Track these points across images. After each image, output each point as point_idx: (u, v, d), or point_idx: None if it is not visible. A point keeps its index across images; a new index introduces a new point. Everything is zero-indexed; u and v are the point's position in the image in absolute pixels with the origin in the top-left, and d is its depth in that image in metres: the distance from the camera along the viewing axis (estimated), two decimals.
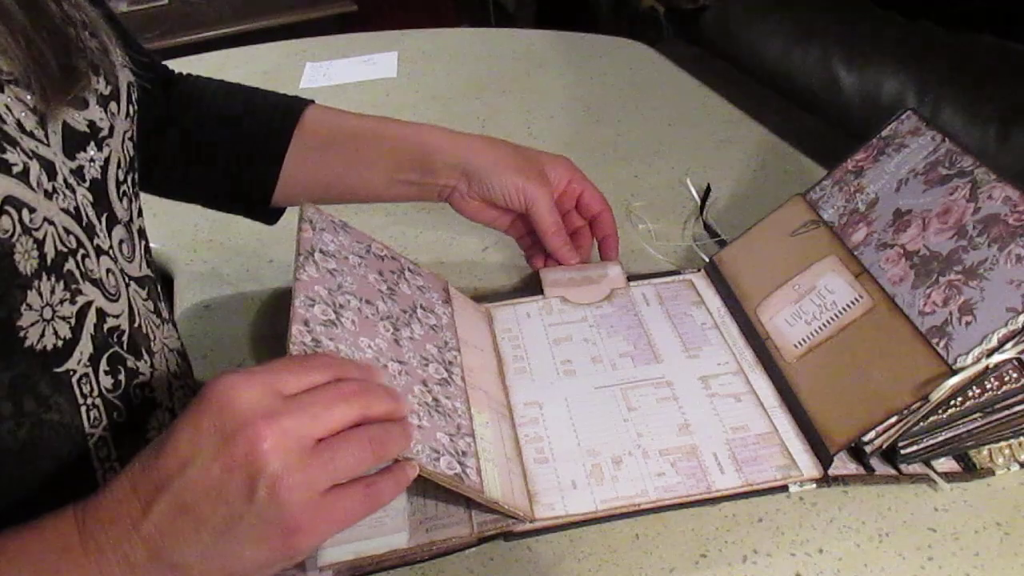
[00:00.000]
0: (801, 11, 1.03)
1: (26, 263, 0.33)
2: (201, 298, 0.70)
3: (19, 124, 0.35)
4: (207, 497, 0.32)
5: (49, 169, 0.36)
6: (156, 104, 0.55)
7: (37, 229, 0.34)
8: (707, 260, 0.65)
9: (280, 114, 0.58)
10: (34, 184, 0.34)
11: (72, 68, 0.38)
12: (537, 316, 0.61)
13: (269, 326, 0.65)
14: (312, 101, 0.60)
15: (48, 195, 0.35)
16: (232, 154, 0.58)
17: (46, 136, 0.37)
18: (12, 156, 0.33)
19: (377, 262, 0.53)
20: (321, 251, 0.49)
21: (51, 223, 0.35)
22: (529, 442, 0.51)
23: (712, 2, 1.15)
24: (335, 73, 1.07)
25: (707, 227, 0.73)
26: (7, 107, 0.35)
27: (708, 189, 0.77)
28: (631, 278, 0.65)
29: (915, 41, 0.92)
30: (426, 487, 0.47)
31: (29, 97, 0.36)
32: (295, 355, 0.39)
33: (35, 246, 0.34)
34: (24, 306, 0.33)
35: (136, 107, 0.45)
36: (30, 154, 0.35)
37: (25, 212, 0.33)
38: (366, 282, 0.50)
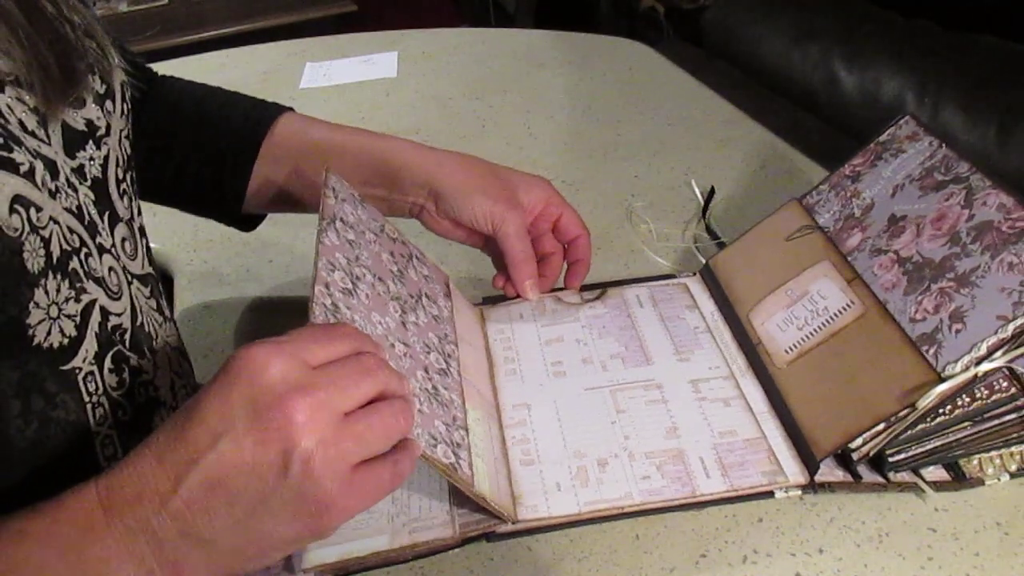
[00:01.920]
0: (801, 11, 1.02)
1: (34, 261, 0.34)
2: (201, 298, 0.70)
3: (21, 124, 0.35)
4: (239, 472, 0.31)
5: (52, 168, 0.36)
6: (136, 105, 0.56)
7: (43, 228, 0.34)
8: (705, 263, 0.65)
9: (252, 123, 0.57)
10: (39, 183, 0.35)
11: (72, 68, 0.38)
12: (530, 317, 0.62)
13: (269, 326, 0.66)
14: (289, 109, 0.60)
15: (52, 194, 0.36)
16: (204, 161, 0.58)
17: (47, 135, 0.37)
18: (19, 155, 0.34)
19: (389, 243, 0.53)
20: (342, 220, 0.48)
21: (56, 222, 0.35)
22: (516, 443, 0.51)
23: (712, 2, 1.15)
24: (335, 73, 1.07)
25: (708, 229, 0.73)
26: (9, 107, 0.35)
27: (712, 191, 0.77)
28: (627, 281, 0.65)
29: (915, 41, 0.91)
30: (410, 488, 0.48)
31: (28, 97, 0.36)
32: (319, 324, 0.38)
33: (42, 245, 0.34)
34: (32, 304, 0.34)
35: (130, 106, 0.46)
36: (34, 153, 0.35)
37: (32, 211, 0.34)
38: (379, 260, 0.50)
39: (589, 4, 1.72)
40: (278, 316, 0.67)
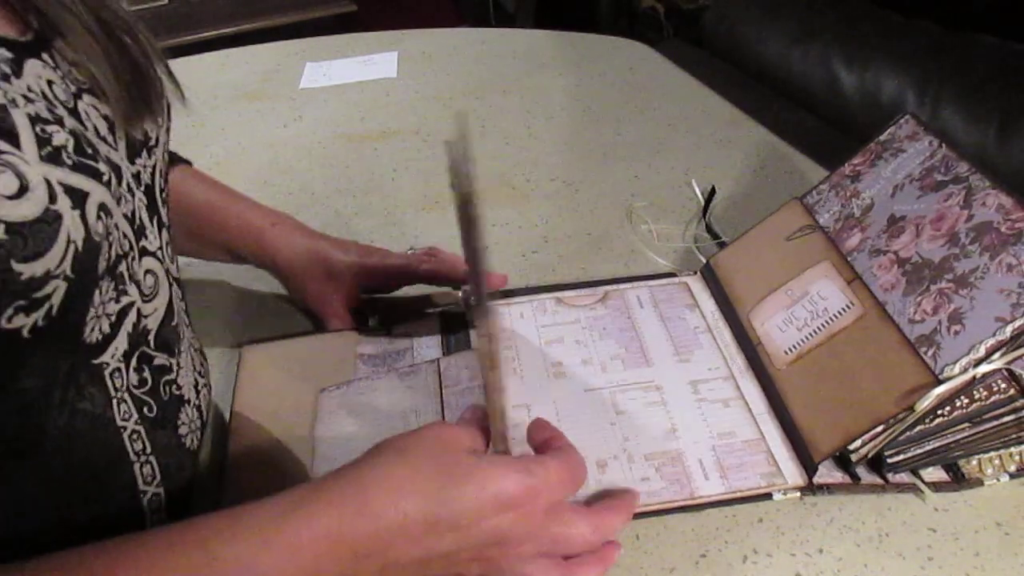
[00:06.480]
0: (801, 11, 1.02)
1: (102, 264, 0.36)
2: (201, 298, 0.70)
3: (95, 129, 0.37)
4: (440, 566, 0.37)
5: (117, 174, 0.38)
6: None
7: (111, 233, 0.37)
8: (705, 262, 0.65)
9: None
10: (113, 191, 0.37)
11: (147, 88, 0.41)
12: (531, 316, 0.62)
13: (269, 326, 0.66)
14: (185, 162, 0.63)
15: (117, 201, 0.38)
16: None
17: (115, 141, 0.39)
18: (101, 166, 0.36)
19: None
20: None
21: (117, 227, 0.38)
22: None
23: (712, 2, 1.15)
24: (335, 73, 1.07)
25: (709, 229, 0.73)
26: (86, 113, 0.37)
27: (713, 190, 0.77)
28: (628, 279, 0.65)
29: (915, 41, 0.91)
30: None
31: (101, 105, 0.38)
32: (575, 468, 0.41)
33: (108, 248, 0.36)
34: (90, 302, 0.35)
35: (171, 122, 0.48)
36: (107, 160, 0.37)
37: (110, 218, 0.36)
38: None
39: (589, 4, 1.72)
40: (279, 316, 0.67)
